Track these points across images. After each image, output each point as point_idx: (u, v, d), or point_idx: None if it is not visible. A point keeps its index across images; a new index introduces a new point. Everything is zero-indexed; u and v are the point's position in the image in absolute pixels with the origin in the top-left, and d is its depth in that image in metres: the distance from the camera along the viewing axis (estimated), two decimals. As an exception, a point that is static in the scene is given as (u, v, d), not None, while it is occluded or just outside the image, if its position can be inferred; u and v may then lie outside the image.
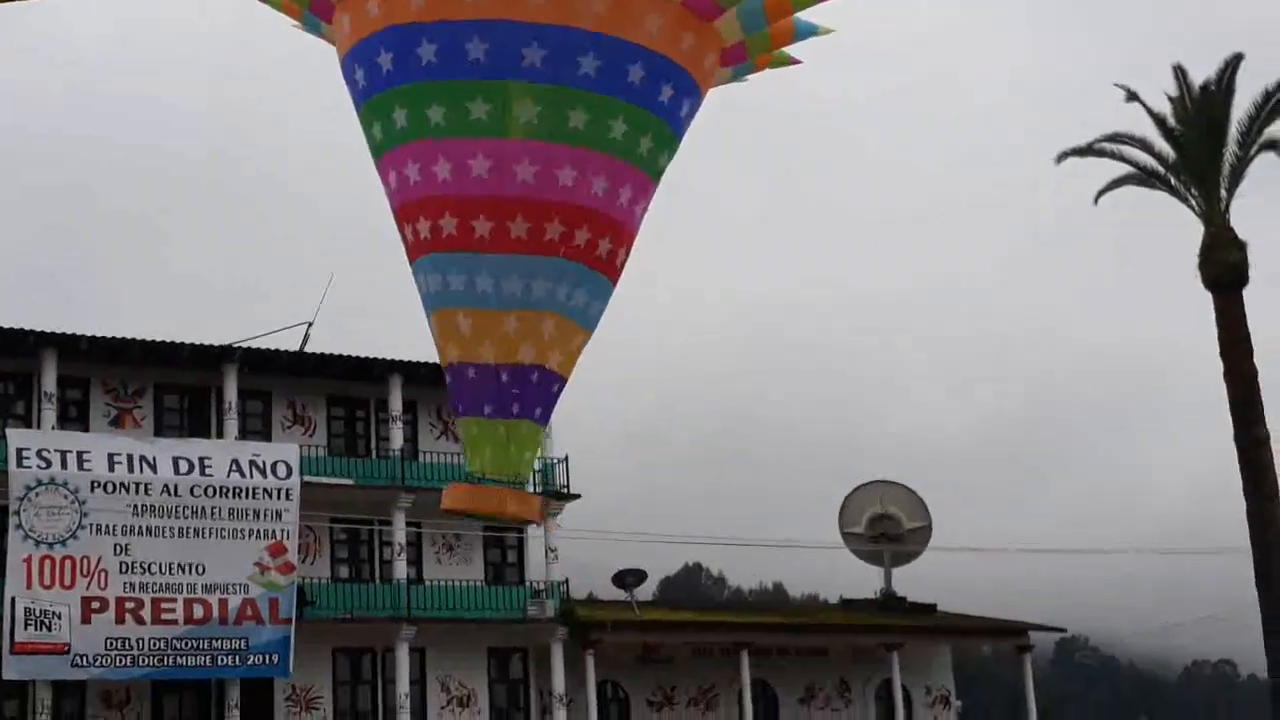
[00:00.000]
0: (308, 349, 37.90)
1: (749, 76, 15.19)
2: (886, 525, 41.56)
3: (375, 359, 37.94)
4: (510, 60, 13.21)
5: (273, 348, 37.29)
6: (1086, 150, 38.32)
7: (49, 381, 35.06)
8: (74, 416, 36.16)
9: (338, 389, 38.50)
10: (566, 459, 39.48)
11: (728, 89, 15.44)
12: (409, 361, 38.08)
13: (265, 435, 37.57)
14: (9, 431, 34.17)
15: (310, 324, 38.06)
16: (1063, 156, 38.51)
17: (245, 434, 36.99)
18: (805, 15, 14.28)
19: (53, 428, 34.85)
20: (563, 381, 14.42)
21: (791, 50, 15.08)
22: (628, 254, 14.45)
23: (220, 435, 36.62)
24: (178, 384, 37.19)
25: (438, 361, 37.68)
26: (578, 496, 39.43)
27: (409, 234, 14.00)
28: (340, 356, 37.69)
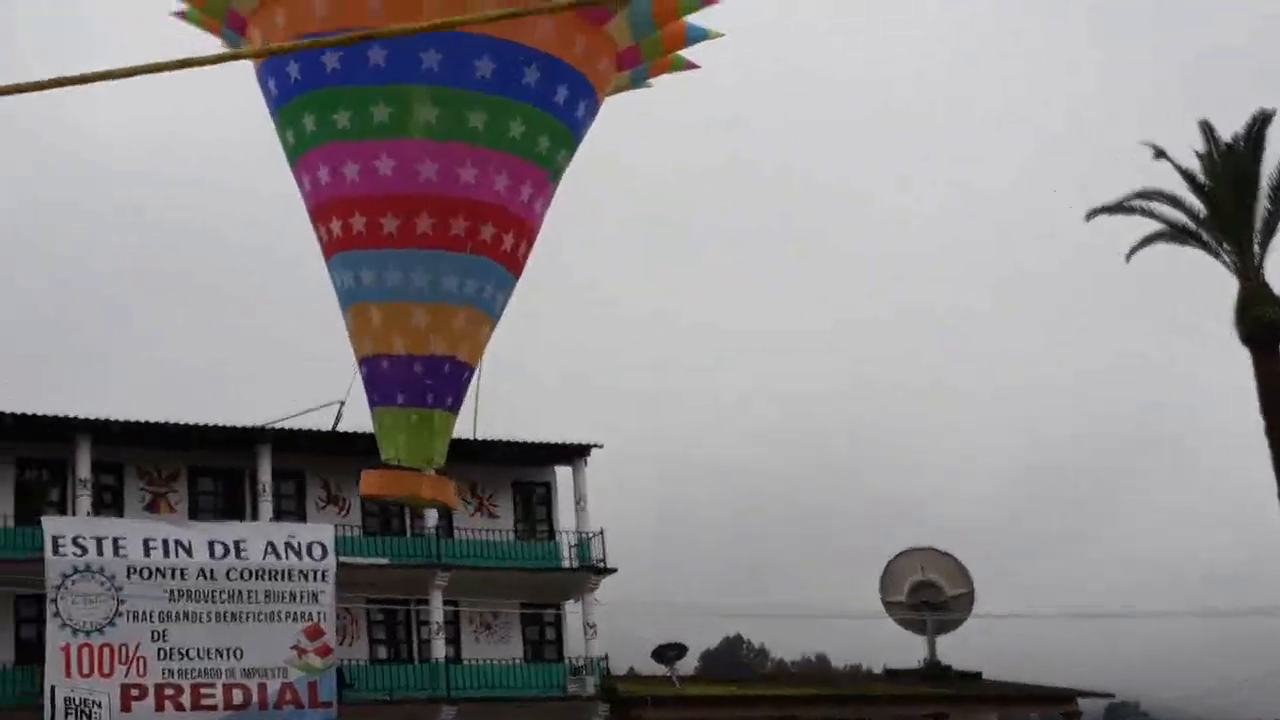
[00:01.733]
0: (340, 428, 39.19)
1: (650, 81, 16.28)
2: (928, 593, 41.83)
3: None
4: (409, 65, 14.39)
5: (305, 428, 38.60)
6: (1116, 208, 38.99)
7: (83, 468, 36.51)
8: (109, 502, 37.55)
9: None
10: (602, 532, 40.29)
11: (633, 96, 16.57)
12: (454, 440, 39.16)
13: (300, 516, 38.75)
14: (45, 519, 35.48)
15: (342, 403, 39.29)
16: (1093, 214, 39.18)
17: (280, 515, 38.21)
18: (697, 19, 15.41)
19: (88, 514, 36.20)
20: (471, 370, 15.42)
21: (690, 55, 16.20)
22: (529, 248, 15.50)
23: (255, 517, 37.86)
24: (211, 467, 38.56)
25: (472, 438, 39.13)
26: (615, 570, 40.15)
27: (323, 234, 15.16)
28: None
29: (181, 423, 37.56)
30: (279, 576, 36.25)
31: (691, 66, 16.31)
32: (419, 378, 14.97)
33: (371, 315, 14.88)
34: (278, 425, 38.30)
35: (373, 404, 15.47)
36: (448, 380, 15.21)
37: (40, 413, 36.38)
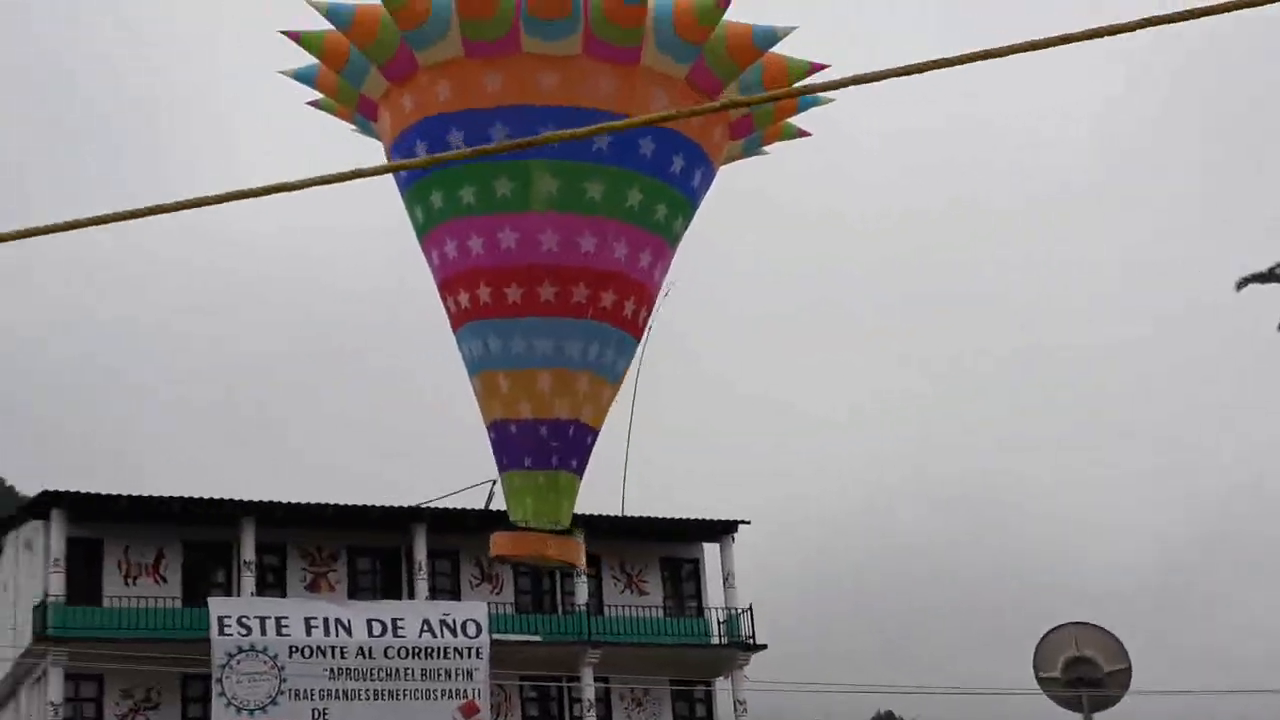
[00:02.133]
0: (492, 506, 40.07)
1: (765, 149, 16.82)
2: (1084, 669, 40.91)
3: (556, 515, 39.82)
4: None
5: (458, 507, 39.56)
6: (1268, 276, 38.52)
7: (248, 549, 37.82)
8: (272, 582, 38.78)
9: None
10: (751, 608, 40.54)
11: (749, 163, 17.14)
12: (593, 515, 39.87)
13: (454, 594, 39.62)
14: (210, 600, 36.79)
15: (494, 482, 40.23)
16: (1243, 283, 38.74)
17: (435, 594, 39.11)
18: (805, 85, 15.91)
19: (252, 594, 37.46)
20: (595, 434, 15.99)
21: (800, 122, 16.75)
22: (650, 313, 16.08)
23: (411, 595, 38.81)
24: (369, 546, 39.66)
25: (620, 514, 39.85)
26: (764, 647, 40.33)
27: (451, 306, 15.90)
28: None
29: (341, 504, 38.73)
30: (435, 654, 37.09)
31: (803, 134, 16.86)
32: (545, 441, 15.57)
33: (499, 382, 15.54)
34: (432, 505, 39.33)
35: (501, 468, 16.10)
36: (572, 443, 15.80)
37: (207, 496, 37.85)
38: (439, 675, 37.12)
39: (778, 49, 15.62)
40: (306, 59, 16.06)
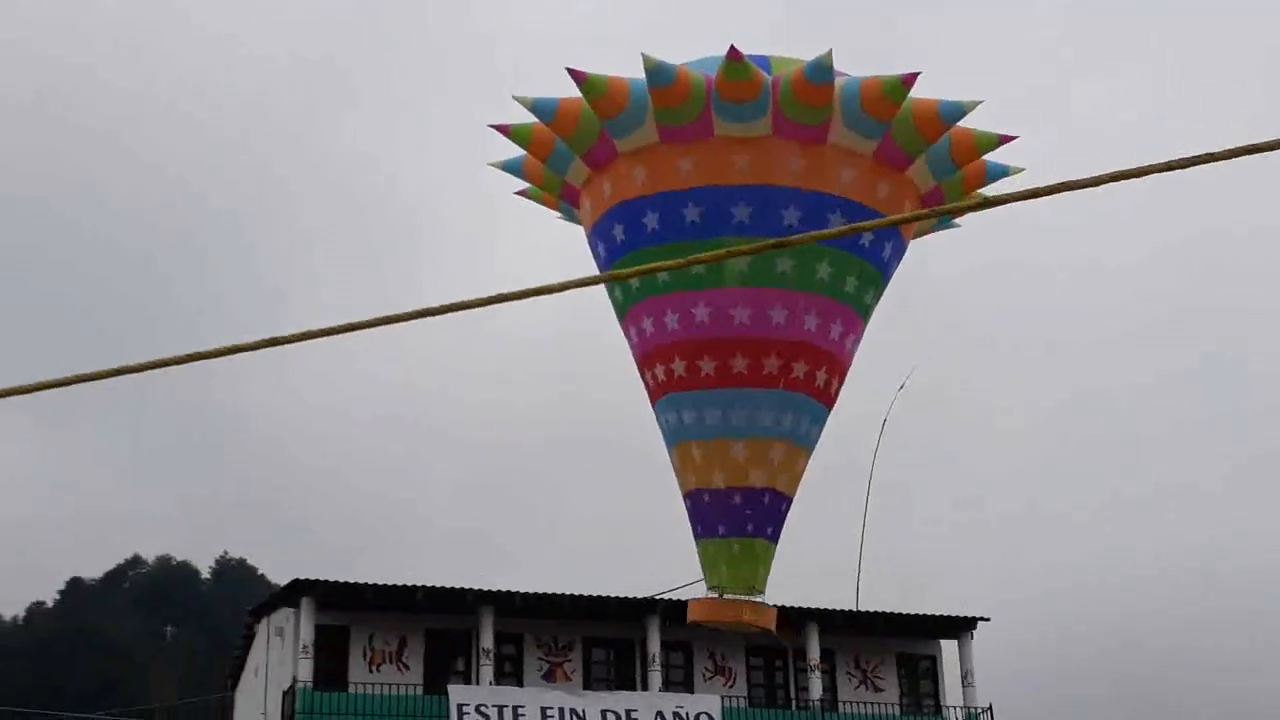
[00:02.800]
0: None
1: (957, 221, 17.28)
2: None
3: (793, 608, 40.13)
4: (722, 219, 15.90)
5: (689, 598, 40.13)
6: None
7: (486, 638, 38.98)
8: (509, 671, 39.84)
9: (756, 639, 40.81)
10: (990, 709, 40.06)
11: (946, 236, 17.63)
12: (826, 610, 40.09)
13: (687, 686, 40.10)
14: (450, 688, 38.00)
15: (726, 575, 40.83)
16: None
17: (668, 685, 39.66)
18: (994, 157, 16.43)
19: (490, 683, 38.56)
20: (789, 501, 16.51)
21: (991, 192, 17.18)
22: (841, 383, 16.60)
23: (645, 687, 39.42)
24: (605, 637, 40.47)
25: (855, 609, 40.62)
26: (1004, 746, 39.81)
27: (649, 380, 16.69)
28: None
29: (576, 595, 39.67)
30: (669, 746, 37.59)
31: (991, 204, 17.28)
32: (739, 509, 16.20)
33: (693, 453, 16.26)
34: (666, 597, 40.00)
35: (697, 536, 16.80)
36: (767, 511, 16.39)
37: (448, 585, 39.20)
38: (673, 767, 37.58)
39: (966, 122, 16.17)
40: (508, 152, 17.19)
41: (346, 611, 39.04)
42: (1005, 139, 16.36)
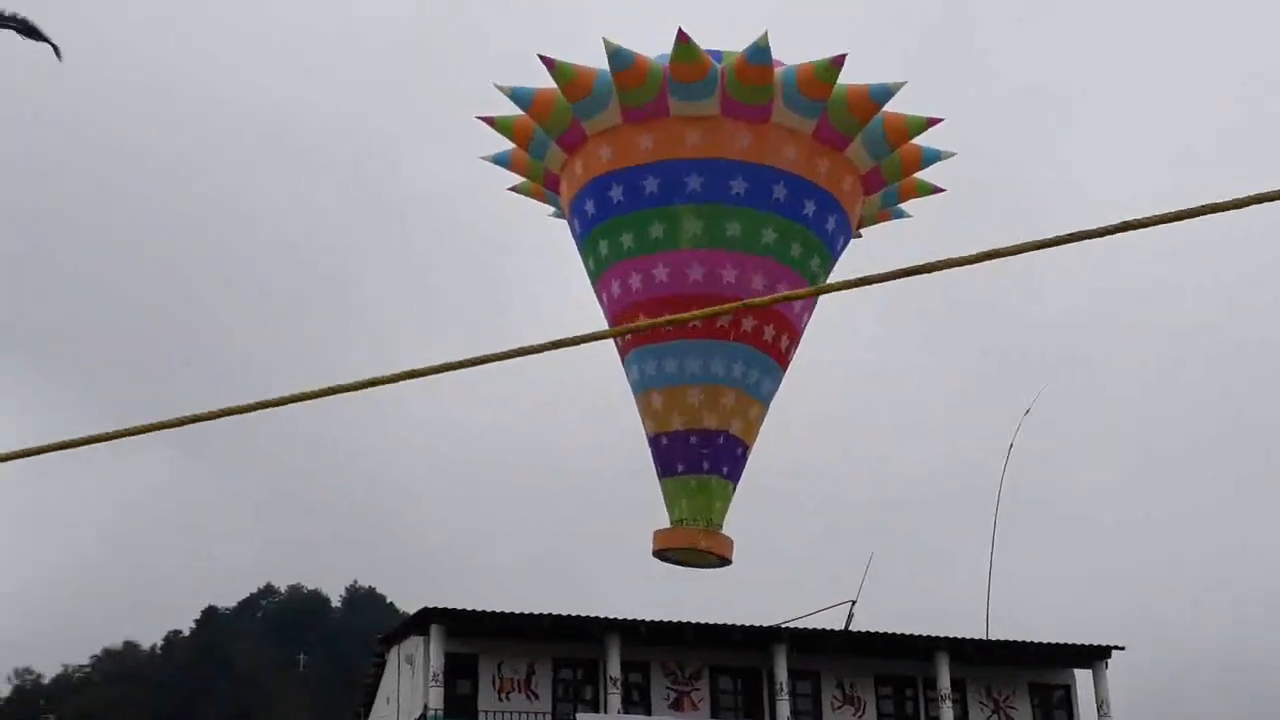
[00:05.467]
0: (853, 627, 43.45)
1: (905, 209, 20.39)
2: None
3: (919, 636, 42.79)
4: (677, 189, 19.32)
5: (819, 627, 43.09)
6: None
7: (613, 666, 42.33)
8: (637, 700, 43.05)
9: (885, 667, 43.51)
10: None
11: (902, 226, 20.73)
12: (955, 638, 42.63)
13: (815, 715, 42.88)
14: (579, 716, 41.47)
15: (853, 602, 43.65)
16: None
17: (796, 714, 42.50)
18: (926, 140, 19.58)
19: (618, 711, 41.84)
20: (745, 446, 19.72)
21: (935, 180, 20.36)
22: (792, 343, 19.77)
23: (773, 716, 42.30)
24: (731, 666, 43.54)
25: (986, 638, 44.96)
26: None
27: (618, 339, 20.09)
28: (885, 635, 42.92)
29: (702, 623, 42.85)
30: (796, 776, 40.52)
31: (938, 190, 20.42)
32: (695, 448, 19.51)
33: (653, 400, 19.65)
34: (793, 625, 42.97)
35: (659, 477, 20.20)
36: (722, 451, 19.67)
37: (575, 614, 42.75)
38: (801, 798, 40.47)
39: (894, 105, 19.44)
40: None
41: (475, 639, 42.76)
42: (933, 121, 19.56)
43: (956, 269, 7.97)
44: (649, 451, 19.60)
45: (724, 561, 21.81)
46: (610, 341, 19.28)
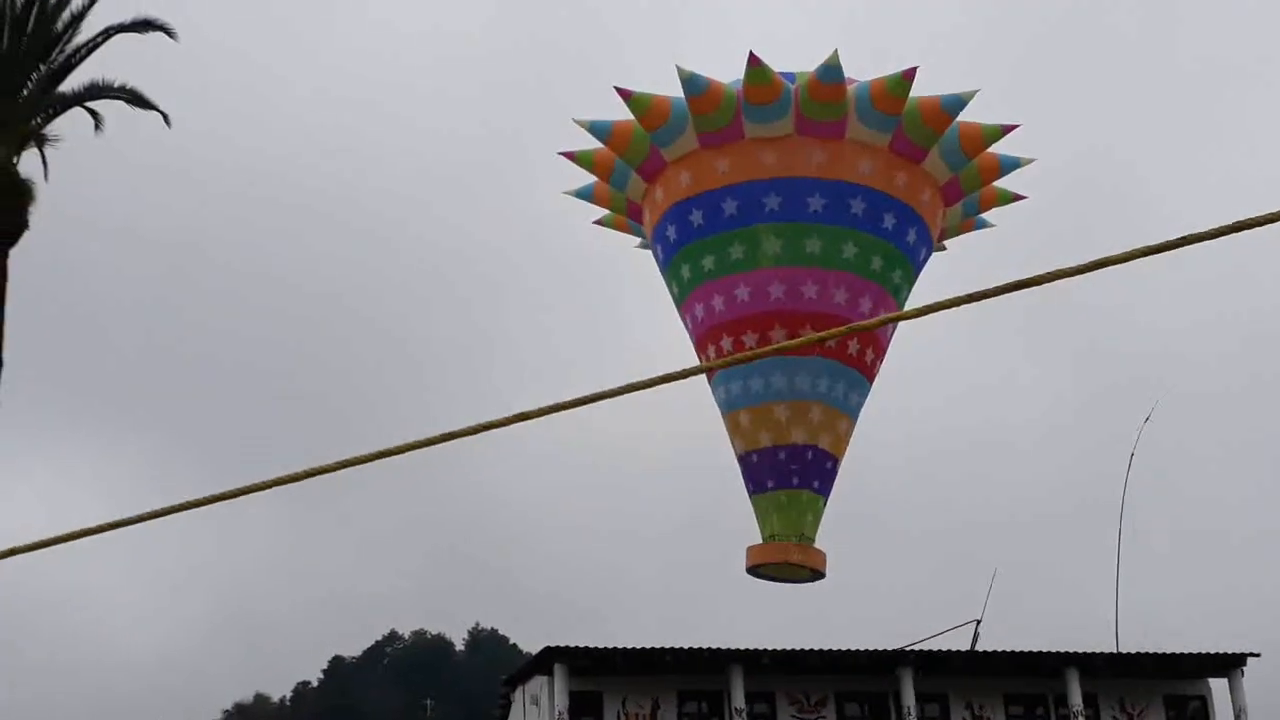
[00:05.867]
0: (979, 647, 43.47)
1: (988, 219, 20.71)
2: None
3: (1047, 653, 42.71)
4: (755, 210, 19.82)
5: (944, 649, 43.18)
6: None
7: (738, 697, 42.63)
8: (764, 729, 43.52)
9: (1014, 687, 43.45)
10: (1269, 749, 41.59)
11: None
12: (1083, 653, 42.53)
13: (945, 738, 43.03)
14: (706, 747, 42.01)
15: (978, 621, 43.67)
16: None
17: (925, 738, 42.69)
18: (1006, 150, 19.91)
19: (746, 742, 42.33)
20: (835, 460, 20.11)
21: (1015, 188, 20.68)
22: (877, 356, 20.16)
23: (902, 740, 42.55)
24: (857, 691, 43.69)
25: (1116, 650, 45.13)
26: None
27: (704, 358, 20.64)
28: (1012, 653, 42.89)
29: (825, 649, 43.08)
30: (932, 801, 40.67)
31: (1019, 198, 20.75)
32: (784, 464, 19.96)
33: (741, 419, 20.15)
34: (918, 647, 43.09)
35: (750, 494, 20.66)
36: (811, 465, 20.10)
37: (697, 646, 43.17)
38: (936, 822, 40.59)
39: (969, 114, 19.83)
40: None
41: (598, 676, 43.28)
42: (1008, 129, 19.94)
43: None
44: (740, 469, 20.03)
45: (817, 575, 22.23)
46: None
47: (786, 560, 19.94)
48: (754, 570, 20.91)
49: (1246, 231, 7.54)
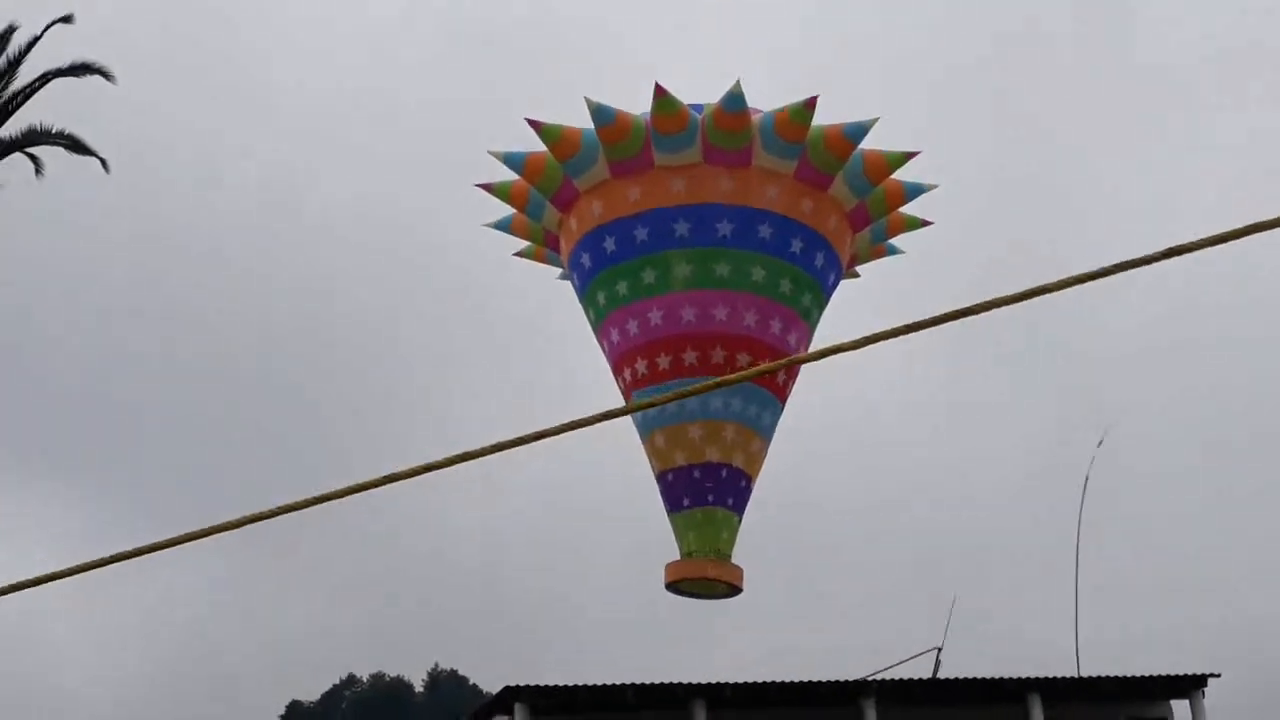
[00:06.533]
0: (940, 674, 44.22)
1: (896, 245, 21.68)
2: None
3: (1009, 679, 43.37)
4: (666, 236, 20.80)
5: (906, 677, 43.84)
6: None
7: (700, 730, 43.46)
8: (729, 764, 44.06)
9: (977, 713, 44.08)
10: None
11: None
12: (1044, 678, 43.18)
13: (910, 769, 43.59)
14: (675, 782, 42.53)
15: (939, 649, 44.40)
16: None
17: (889, 767, 43.25)
18: (907, 176, 20.89)
19: (711, 776, 42.89)
20: (748, 478, 21.04)
21: (921, 213, 21.68)
22: (789, 378, 21.09)
23: (865, 770, 43.14)
24: (820, 723, 44.41)
25: (1077, 674, 45.41)
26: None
27: (621, 383, 21.62)
28: (974, 680, 43.54)
29: (788, 681, 43.71)
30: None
31: (926, 223, 21.77)
32: (699, 482, 20.88)
33: (657, 439, 21.08)
34: (880, 677, 43.75)
35: (668, 512, 21.60)
36: (725, 483, 21.03)
37: (659, 681, 43.81)
38: None
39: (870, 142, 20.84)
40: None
41: (560, 715, 43.88)
42: (910, 155, 20.98)
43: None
44: (658, 487, 20.99)
45: (734, 590, 23.12)
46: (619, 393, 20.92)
47: (703, 576, 20.82)
48: (672, 586, 21.82)
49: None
